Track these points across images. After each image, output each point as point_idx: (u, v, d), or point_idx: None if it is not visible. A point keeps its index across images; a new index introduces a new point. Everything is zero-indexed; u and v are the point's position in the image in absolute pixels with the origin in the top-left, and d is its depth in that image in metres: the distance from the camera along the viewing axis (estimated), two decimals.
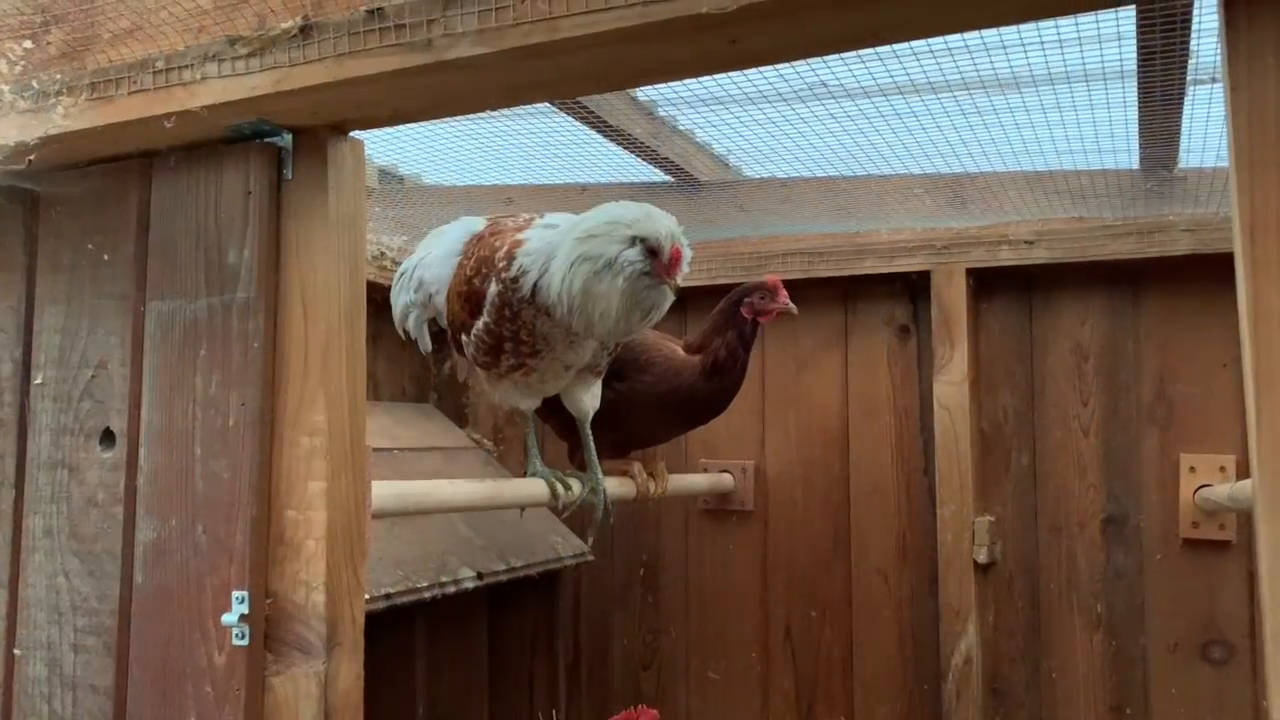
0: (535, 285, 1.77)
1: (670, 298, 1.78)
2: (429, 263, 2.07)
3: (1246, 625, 2.36)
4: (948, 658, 2.52)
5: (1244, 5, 0.99)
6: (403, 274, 2.19)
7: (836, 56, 1.59)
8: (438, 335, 2.18)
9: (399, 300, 2.20)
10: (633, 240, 1.71)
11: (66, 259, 1.57)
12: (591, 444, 2.17)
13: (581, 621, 3.05)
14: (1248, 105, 0.99)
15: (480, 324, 1.89)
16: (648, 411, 2.31)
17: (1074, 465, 2.55)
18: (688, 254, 1.75)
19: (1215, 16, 1.05)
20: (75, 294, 1.56)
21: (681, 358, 2.33)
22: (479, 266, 1.88)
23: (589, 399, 2.15)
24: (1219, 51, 1.03)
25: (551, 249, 1.77)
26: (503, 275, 1.82)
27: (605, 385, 2.20)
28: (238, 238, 1.44)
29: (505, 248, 1.84)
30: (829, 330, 2.81)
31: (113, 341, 1.52)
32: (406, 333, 2.22)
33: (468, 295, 1.90)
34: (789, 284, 2.34)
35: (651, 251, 1.71)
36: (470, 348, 1.95)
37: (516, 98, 1.42)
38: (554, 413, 2.25)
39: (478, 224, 2.01)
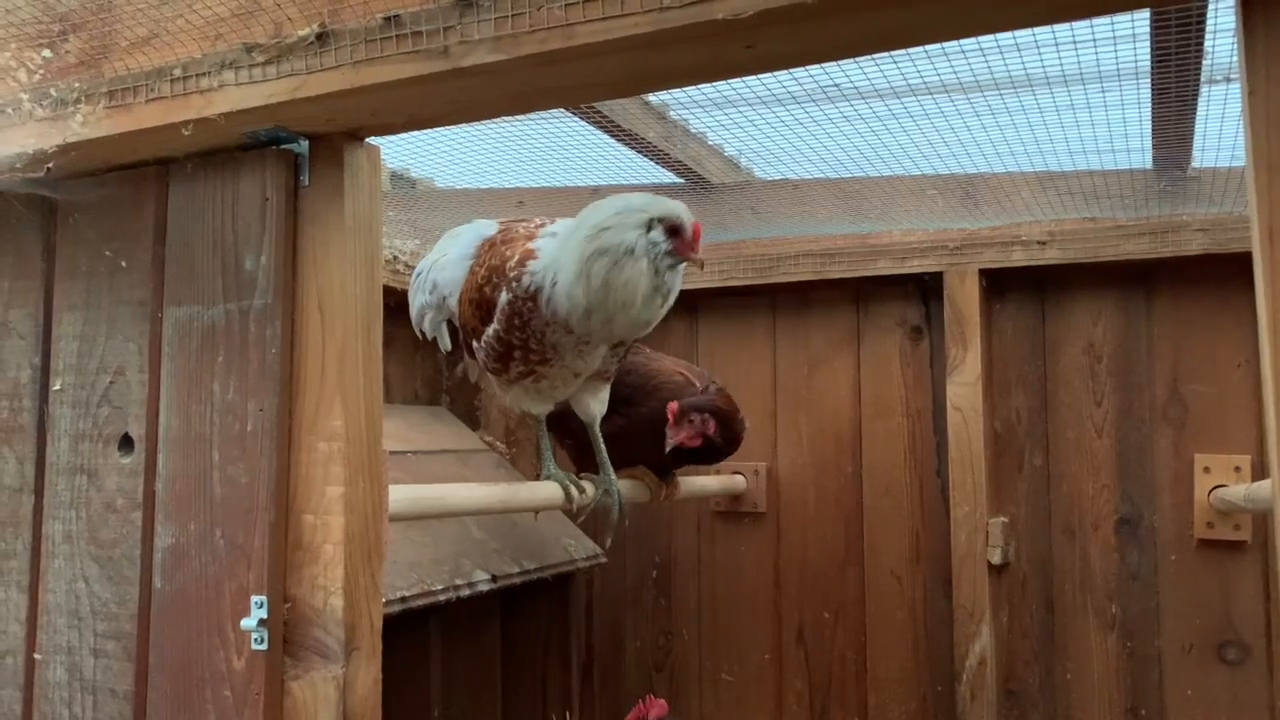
0: (548, 296, 1.78)
1: (679, 279, 1.79)
2: (443, 265, 2.07)
3: (1262, 625, 2.35)
4: (961, 659, 2.51)
5: (1261, 8, 0.99)
6: (419, 275, 2.19)
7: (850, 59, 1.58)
8: (457, 334, 2.18)
9: (415, 301, 2.20)
10: (650, 223, 1.72)
11: (84, 265, 1.58)
12: (602, 446, 2.17)
13: (594, 623, 3.05)
14: (1266, 109, 0.98)
15: (491, 331, 1.89)
16: (652, 442, 2.28)
17: (1088, 466, 2.54)
18: None
19: (1231, 16, 1.05)
20: (93, 300, 1.57)
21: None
22: (490, 274, 1.88)
23: (597, 404, 2.15)
24: (1235, 51, 1.03)
25: (560, 256, 1.77)
26: (513, 285, 1.82)
27: (613, 411, 2.19)
28: (255, 244, 1.45)
29: (516, 257, 1.84)
30: (841, 331, 2.80)
31: (130, 348, 1.53)
32: (423, 332, 2.23)
33: (479, 302, 1.90)
34: (801, 285, 2.33)
35: (673, 230, 1.72)
36: (481, 353, 1.96)
37: (532, 104, 1.42)
38: (557, 425, 2.25)
39: (490, 228, 2.01)
